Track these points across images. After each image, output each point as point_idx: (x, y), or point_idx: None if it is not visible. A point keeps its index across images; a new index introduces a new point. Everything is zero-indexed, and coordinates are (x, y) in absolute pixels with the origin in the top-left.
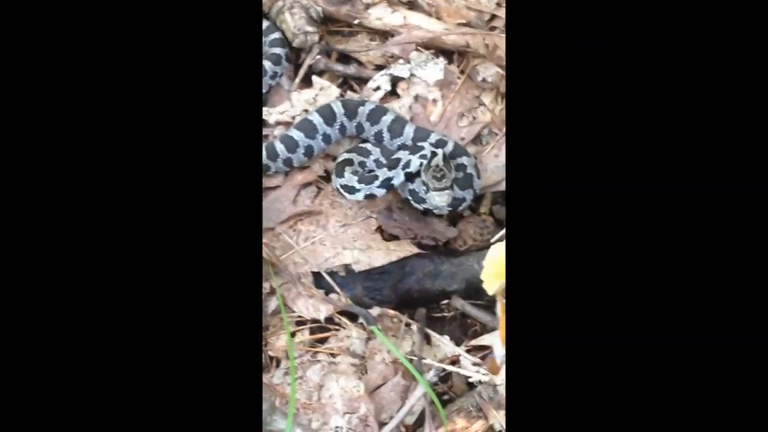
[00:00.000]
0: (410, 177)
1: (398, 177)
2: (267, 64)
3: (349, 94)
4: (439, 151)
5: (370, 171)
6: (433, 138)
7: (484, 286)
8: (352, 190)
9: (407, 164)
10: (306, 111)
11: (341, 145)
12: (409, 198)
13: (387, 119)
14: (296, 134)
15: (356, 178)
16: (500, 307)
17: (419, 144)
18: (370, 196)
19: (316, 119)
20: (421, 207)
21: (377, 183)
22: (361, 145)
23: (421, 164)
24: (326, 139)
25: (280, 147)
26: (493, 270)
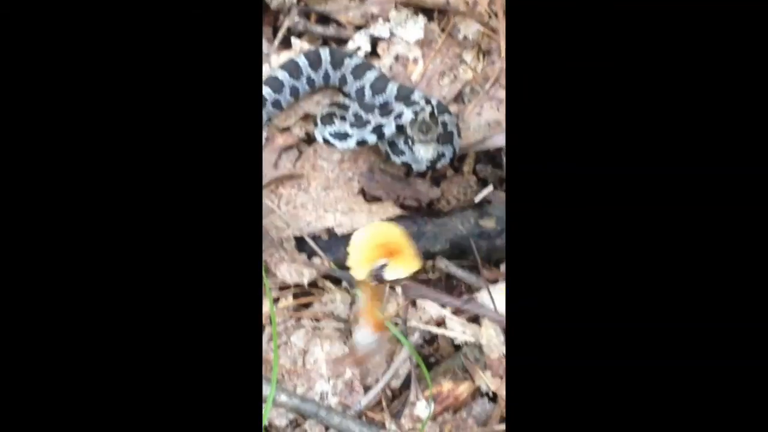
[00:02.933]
0: (400, 129)
1: (389, 126)
2: None
3: None
4: (428, 107)
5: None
6: (416, 96)
7: (352, 272)
8: (344, 136)
9: (400, 115)
10: None
11: (323, 95)
12: (388, 150)
13: (371, 76)
14: (281, 74)
15: (348, 123)
16: (367, 291)
17: (414, 99)
18: (362, 142)
19: (302, 61)
20: (399, 160)
21: (369, 128)
22: (338, 100)
23: (412, 119)
24: (310, 82)
25: (266, 90)
26: (359, 255)
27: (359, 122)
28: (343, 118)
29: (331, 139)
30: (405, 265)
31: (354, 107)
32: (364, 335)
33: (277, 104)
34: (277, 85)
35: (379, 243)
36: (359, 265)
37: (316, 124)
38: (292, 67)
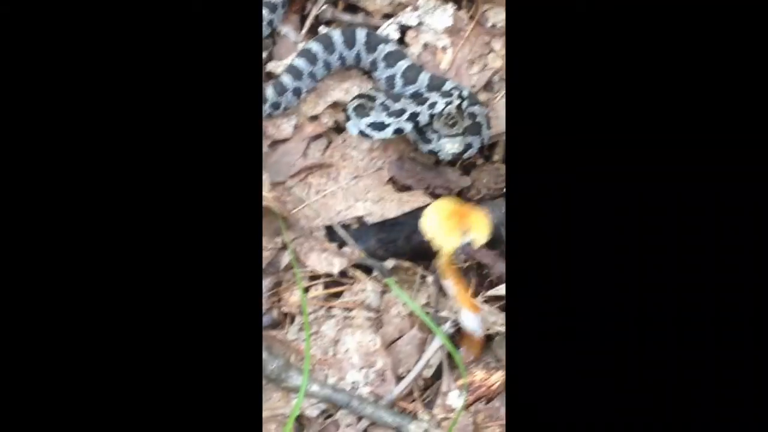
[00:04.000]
0: (431, 118)
1: (423, 114)
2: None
3: None
4: (457, 101)
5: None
6: (448, 86)
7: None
8: (381, 126)
9: (433, 105)
10: None
11: (352, 82)
12: (416, 138)
13: (402, 65)
14: (315, 47)
15: (385, 113)
16: (452, 276)
17: (446, 89)
18: (399, 131)
19: (337, 37)
20: (426, 148)
21: (405, 116)
22: (364, 92)
23: (439, 111)
24: (342, 60)
25: (301, 63)
26: (440, 233)
27: (394, 111)
28: (375, 109)
29: (368, 130)
30: (480, 229)
31: (381, 98)
32: (471, 319)
33: (312, 77)
34: (311, 58)
35: (448, 214)
36: (445, 242)
37: (348, 118)
38: (326, 42)
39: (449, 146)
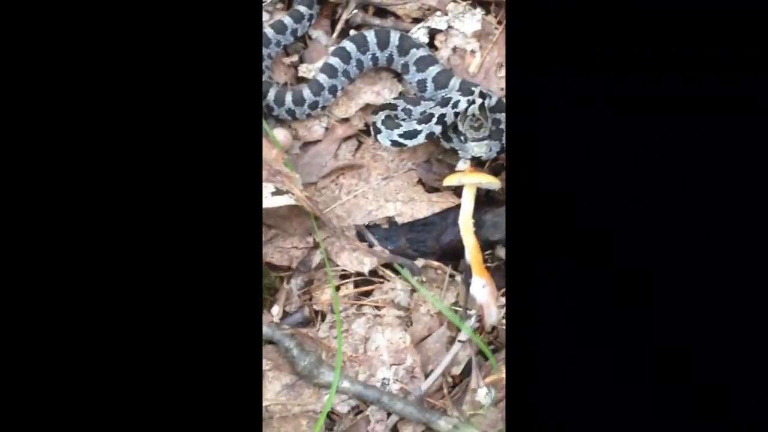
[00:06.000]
0: (456, 116)
1: (449, 114)
2: (287, 20)
3: None
4: (479, 100)
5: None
6: (477, 91)
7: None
8: (414, 134)
9: (456, 104)
10: None
11: (383, 86)
12: (440, 137)
13: (433, 70)
14: (349, 46)
15: (415, 121)
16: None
17: (470, 89)
18: (430, 135)
19: (371, 37)
20: (448, 145)
21: (434, 120)
22: (385, 103)
23: (467, 107)
24: (374, 60)
25: (335, 61)
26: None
27: (423, 117)
28: (403, 117)
29: (401, 140)
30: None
31: (401, 104)
32: (479, 287)
33: (346, 74)
34: (344, 57)
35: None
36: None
37: (378, 131)
38: (360, 41)
39: (477, 149)
